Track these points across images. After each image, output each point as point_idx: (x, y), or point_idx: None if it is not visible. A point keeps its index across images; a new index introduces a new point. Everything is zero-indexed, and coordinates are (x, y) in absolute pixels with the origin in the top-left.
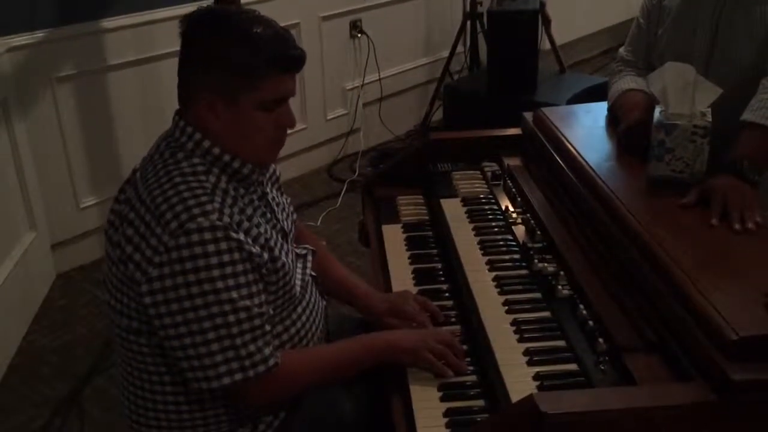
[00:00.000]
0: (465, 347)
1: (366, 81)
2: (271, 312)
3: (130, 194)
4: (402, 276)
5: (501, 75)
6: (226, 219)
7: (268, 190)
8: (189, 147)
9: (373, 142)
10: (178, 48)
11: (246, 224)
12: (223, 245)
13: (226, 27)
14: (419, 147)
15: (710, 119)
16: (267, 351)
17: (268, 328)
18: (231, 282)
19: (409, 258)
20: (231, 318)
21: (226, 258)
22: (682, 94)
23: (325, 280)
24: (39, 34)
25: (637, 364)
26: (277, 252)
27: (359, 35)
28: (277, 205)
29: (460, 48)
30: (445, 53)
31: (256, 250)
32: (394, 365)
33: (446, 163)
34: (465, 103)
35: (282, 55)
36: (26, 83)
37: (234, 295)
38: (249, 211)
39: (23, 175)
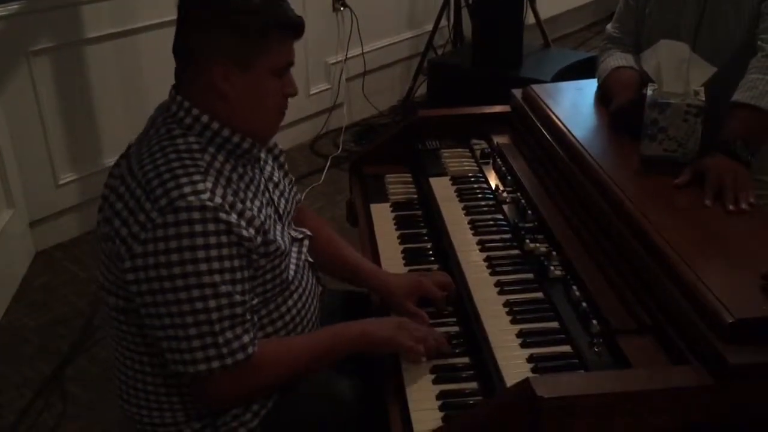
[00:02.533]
0: (456, 329)
1: (349, 55)
2: (254, 302)
3: (123, 169)
4: (392, 256)
5: (485, 49)
6: (218, 199)
7: (268, 168)
8: (187, 122)
9: (356, 117)
10: (158, 20)
11: (239, 206)
12: (211, 226)
13: None
14: (407, 124)
15: (704, 98)
16: (246, 338)
17: (248, 317)
18: (215, 265)
19: (398, 237)
20: (211, 303)
21: (212, 240)
22: (676, 72)
23: (333, 261)
24: (13, 6)
25: (631, 346)
26: (271, 234)
27: (342, 8)
28: (275, 185)
29: (443, 22)
30: (429, 27)
31: (247, 233)
32: (371, 354)
33: (434, 140)
34: (449, 78)
35: (288, 20)
36: (1, 57)
37: (216, 278)
38: (243, 192)
39: (0, 151)
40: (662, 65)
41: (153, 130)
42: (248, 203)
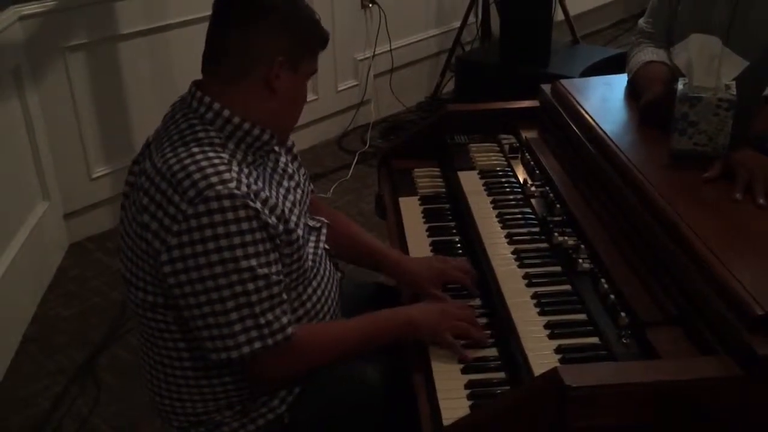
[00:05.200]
0: (485, 320)
1: (377, 52)
2: (288, 281)
3: (144, 165)
4: (420, 248)
5: (513, 46)
6: (244, 188)
7: (282, 160)
8: (208, 117)
9: (383, 114)
10: (189, 17)
11: (263, 194)
12: (242, 213)
13: None
14: (436, 119)
15: (735, 92)
16: (285, 320)
17: (285, 296)
18: (250, 250)
19: (426, 230)
20: (250, 286)
21: (245, 226)
22: (707, 66)
23: (355, 250)
24: (50, 2)
25: (659, 337)
26: (292, 224)
27: (371, 5)
28: (290, 177)
29: (471, 19)
30: (457, 24)
31: (272, 221)
32: (414, 341)
33: (462, 135)
34: (477, 75)
35: (326, 34)
36: (38, 52)
37: (253, 262)
38: (263, 182)
39: (36, 145)
40: (693, 59)
41: (173, 126)
42: (267, 191)
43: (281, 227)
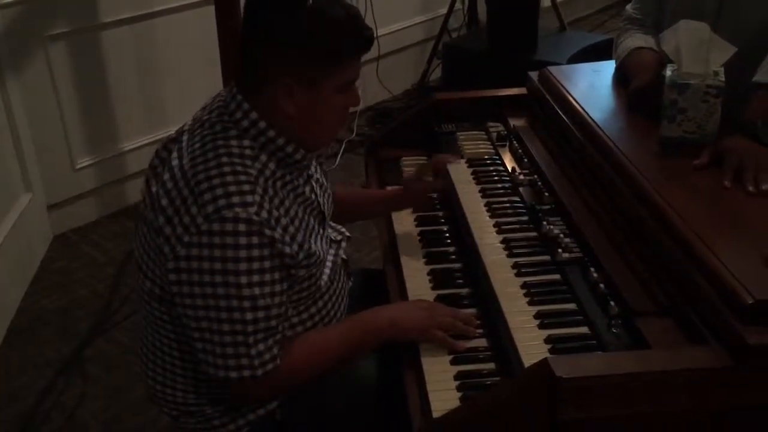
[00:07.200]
0: (474, 310)
1: None
2: (290, 312)
3: (173, 158)
4: (408, 238)
5: (500, 33)
6: (264, 214)
7: (313, 169)
8: (243, 125)
9: (370, 102)
10: (174, 5)
11: (284, 220)
12: (255, 239)
13: (307, 8)
14: (424, 107)
15: (723, 79)
16: (276, 350)
17: (281, 328)
18: (255, 278)
19: (414, 220)
20: (248, 316)
21: (255, 253)
22: (696, 52)
23: (361, 208)
24: None
25: (650, 327)
26: (313, 246)
27: None
28: (321, 186)
29: (458, 5)
30: (443, 10)
31: (289, 250)
32: (402, 342)
33: (450, 123)
34: (464, 62)
35: (360, 37)
36: (18, 41)
37: (256, 291)
38: (289, 201)
39: (18, 135)
40: (682, 46)
41: (208, 124)
42: (292, 212)
43: (301, 255)
